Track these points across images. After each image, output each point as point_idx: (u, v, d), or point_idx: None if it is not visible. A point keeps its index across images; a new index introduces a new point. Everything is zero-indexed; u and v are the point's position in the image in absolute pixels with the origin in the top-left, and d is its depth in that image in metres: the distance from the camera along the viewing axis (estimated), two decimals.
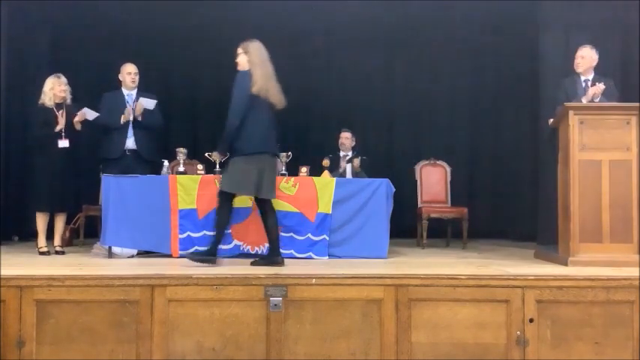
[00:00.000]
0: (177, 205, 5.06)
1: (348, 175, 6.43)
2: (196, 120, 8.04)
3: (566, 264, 4.41)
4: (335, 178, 5.37)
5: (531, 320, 3.80)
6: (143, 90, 5.72)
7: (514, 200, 7.46)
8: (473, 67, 7.97)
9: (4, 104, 6.25)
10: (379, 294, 3.82)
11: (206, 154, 5.43)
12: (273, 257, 4.51)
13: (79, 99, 5.74)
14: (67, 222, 5.91)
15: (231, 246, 5.08)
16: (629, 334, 3.82)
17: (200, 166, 5.49)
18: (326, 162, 5.90)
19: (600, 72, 5.20)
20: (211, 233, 5.05)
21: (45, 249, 5.20)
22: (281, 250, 5.03)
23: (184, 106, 7.96)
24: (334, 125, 7.18)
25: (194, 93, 8.04)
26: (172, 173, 5.49)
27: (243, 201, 5.11)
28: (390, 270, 4.31)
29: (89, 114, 5.34)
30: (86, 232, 6.33)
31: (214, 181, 5.11)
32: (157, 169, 5.47)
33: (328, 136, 6.97)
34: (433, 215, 6.34)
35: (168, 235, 5.02)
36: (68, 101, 5.38)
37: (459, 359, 3.81)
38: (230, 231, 5.09)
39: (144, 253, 5.15)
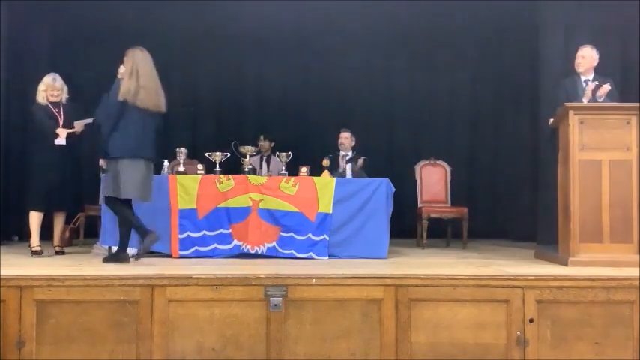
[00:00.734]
0: (177, 205, 5.06)
1: (348, 175, 6.43)
2: (196, 120, 8.04)
3: (566, 264, 4.41)
4: (335, 178, 5.37)
5: (531, 320, 3.79)
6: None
7: (514, 200, 7.45)
8: (473, 67, 7.97)
9: (4, 104, 6.24)
10: (379, 294, 3.81)
11: (206, 154, 5.43)
12: (119, 254, 4.60)
13: (79, 99, 5.73)
14: (67, 222, 5.91)
15: (231, 246, 5.08)
16: (629, 334, 3.82)
17: (200, 166, 5.49)
18: (326, 162, 5.90)
19: (600, 72, 5.20)
20: (211, 233, 5.07)
21: (38, 248, 5.10)
22: (281, 250, 5.06)
23: (184, 106, 7.95)
24: (334, 125, 7.17)
25: (194, 93, 8.05)
26: (172, 173, 5.49)
27: (243, 201, 5.12)
28: (390, 270, 4.30)
29: (80, 125, 5.35)
30: (86, 232, 6.33)
31: (214, 181, 5.12)
32: (157, 169, 5.46)
33: (328, 136, 6.97)
34: (433, 215, 6.34)
35: (168, 235, 5.02)
36: (64, 101, 5.36)
37: (459, 359, 3.81)
38: (230, 231, 5.09)
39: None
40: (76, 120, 5.34)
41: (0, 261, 4.25)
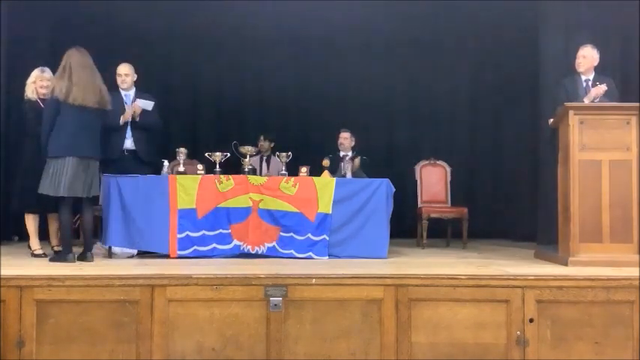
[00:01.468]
0: (176, 205, 5.06)
1: (349, 175, 6.43)
2: (196, 120, 8.04)
3: (566, 264, 4.41)
4: (335, 178, 5.37)
5: (531, 320, 3.80)
6: (143, 90, 5.71)
7: (514, 200, 7.45)
8: (473, 67, 7.97)
9: (4, 104, 6.24)
10: (379, 294, 3.82)
11: (206, 154, 5.43)
12: (63, 254, 4.65)
13: None
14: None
15: (231, 246, 5.08)
16: (629, 334, 3.83)
17: (200, 166, 5.49)
18: (326, 162, 5.90)
19: (600, 71, 5.20)
20: (210, 233, 5.07)
21: (40, 251, 5.08)
22: (281, 250, 5.06)
23: (184, 106, 7.96)
24: (334, 125, 7.17)
25: (194, 93, 8.05)
26: (172, 173, 5.49)
27: (243, 201, 5.12)
28: (390, 270, 4.30)
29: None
30: None
31: (214, 181, 5.12)
32: (156, 169, 5.47)
33: (328, 136, 6.97)
34: (433, 215, 6.33)
35: (167, 235, 5.02)
36: None
37: (459, 359, 3.81)
38: (230, 231, 5.09)
39: (144, 253, 5.14)
40: None
41: (0, 261, 4.25)
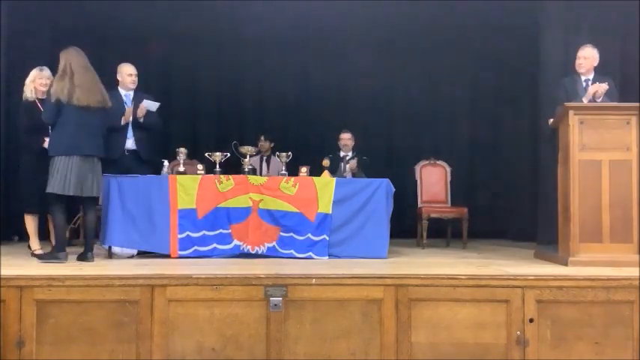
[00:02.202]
0: (176, 205, 5.06)
1: (349, 175, 6.43)
2: (196, 120, 8.04)
3: (566, 264, 4.41)
4: (335, 178, 5.37)
5: (531, 320, 3.80)
6: (142, 90, 5.72)
7: (514, 200, 7.46)
8: (473, 67, 7.97)
9: (4, 104, 6.24)
10: (379, 294, 3.82)
11: (206, 154, 5.43)
12: (54, 253, 4.63)
13: None
14: (67, 222, 5.90)
15: (231, 246, 5.08)
16: (629, 334, 3.83)
17: (200, 166, 5.49)
18: (326, 162, 5.89)
19: (600, 72, 5.20)
20: (210, 233, 5.07)
21: (40, 251, 5.07)
22: (281, 250, 5.06)
23: (184, 106, 7.96)
24: (334, 125, 7.18)
25: (194, 93, 8.05)
26: (172, 173, 5.49)
27: (243, 201, 5.12)
28: (390, 270, 4.30)
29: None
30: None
31: (214, 181, 5.12)
32: (156, 169, 5.47)
33: (328, 136, 6.98)
34: (433, 215, 6.33)
35: (167, 235, 5.02)
36: None
37: (459, 359, 3.81)
38: (230, 231, 5.09)
39: (144, 253, 5.14)
40: None
41: (0, 261, 4.25)
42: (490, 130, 7.87)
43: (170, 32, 7.60)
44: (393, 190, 5.22)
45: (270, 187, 5.15)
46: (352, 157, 6.58)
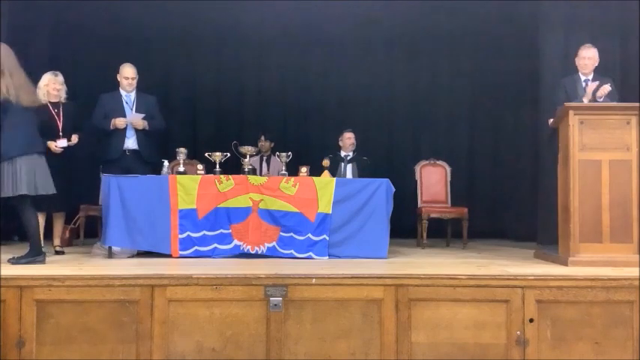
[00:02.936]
0: (177, 205, 5.06)
1: (349, 175, 6.44)
2: (196, 120, 8.04)
3: (566, 264, 4.41)
4: (335, 178, 5.37)
5: (531, 320, 3.80)
6: (143, 90, 5.72)
7: (514, 200, 7.45)
8: (473, 67, 7.96)
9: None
10: (379, 294, 3.82)
11: (206, 154, 5.43)
12: (32, 256, 4.54)
13: (79, 99, 5.74)
14: (67, 222, 5.91)
15: (231, 246, 5.08)
16: (629, 334, 3.83)
17: (200, 166, 5.49)
18: (326, 162, 5.89)
19: (600, 72, 5.20)
20: (211, 233, 5.07)
21: (43, 249, 5.15)
22: (281, 250, 5.06)
23: (184, 106, 7.96)
24: (334, 125, 7.18)
25: (194, 93, 8.04)
26: (172, 173, 5.49)
27: (243, 201, 5.12)
28: (390, 270, 4.30)
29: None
30: (86, 232, 6.32)
31: (214, 181, 5.12)
32: (157, 169, 5.47)
33: (328, 136, 6.97)
34: (433, 215, 6.33)
35: (168, 235, 5.02)
36: (63, 100, 5.36)
37: (459, 359, 3.81)
38: (230, 231, 5.09)
39: (144, 253, 5.14)
40: (76, 121, 5.34)
41: (0, 261, 4.25)
42: (490, 130, 7.88)
43: (170, 32, 7.60)
44: (393, 190, 5.22)
45: (270, 187, 5.15)
46: (353, 158, 6.59)
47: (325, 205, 5.14)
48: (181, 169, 5.43)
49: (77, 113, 5.43)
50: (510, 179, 7.53)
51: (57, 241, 5.32)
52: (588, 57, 5.13)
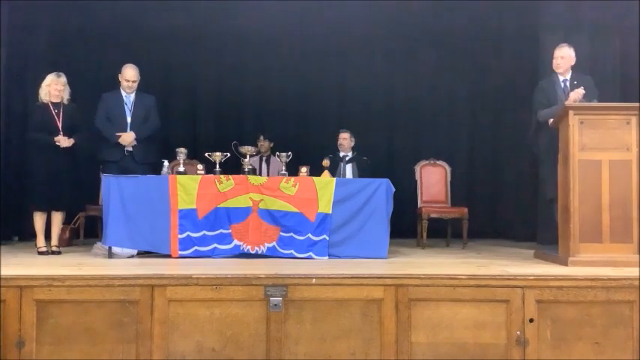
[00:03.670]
0: (177, 205, 5.06)
1: (348, 175, 6.43)
2: (196, 120, 8.04)
3: (566, 264, 4.41)
4: (335, 178, 5.37)
5: (531, 320, 3.79)
6: (143, 90, 5.72)
7: (514, 200, 7.45)
8: (473, 67, 7.97)
9: (4, 104, 6.24)
10: (379, 294, 3.81)
11: (206, 154, 5.43)
12: None
13: (79, 99, 5.74)
14: (67, 222, 5.93)
15: (231, 246, 5.08)
16: (629, 334, 3.82)
17: (200, 166, 5.49)
18: (326, 162, 5.90)
19: (579, 70, 5.23)
20: (211, 233, 5.08)
21: (44, 248, 5.23)
22: (281, 250, 5.07)
23: (184, 106, 7.96)
24: (334, 125, 7.18)
25: (194, 93, 8.04)
26: (172, 173, 5.49)
27: (243, 201, 5.12)
28: (390, 270, 4.30)
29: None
30: (86, 232, 6.33)
31: (214, 181, 5.12)
32: (157, 169, 5.47)
33: (328, 136, 6.97)
34: (433, 215, 6.33)
35: (168, 235, 5.02)
36: (65, 101, 5.38)
37: (459, 359, 3.81)
38: (230, 231, 5.09)
39: (144, 253, 5.15)
40: (75, 122, 5.36)
41: (0, 261, 4.25)
42: (490, 130, 7.87)
43: (171, 32, 7.60)
44: (393, 190, 5.22)
45: (270, 187, 5.15)
46: (352, 158, 6.59)
47: (325, 205, 5.14)
48: (181, 169, 5.43)
49: (78, 114, 5.44)
50: (510, 179, 7.53)
51: (54, 241, 5.33)
52: (561, 56, 5.16)
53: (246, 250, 5.07)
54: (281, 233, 5.12)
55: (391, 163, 7.71)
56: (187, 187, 5.09)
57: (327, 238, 5.10)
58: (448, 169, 6.87)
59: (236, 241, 5.09)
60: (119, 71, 5.61)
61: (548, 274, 3.95)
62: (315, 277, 3.84)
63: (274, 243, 5.10)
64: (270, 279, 3.82)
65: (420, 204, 6.63)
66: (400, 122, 8.06)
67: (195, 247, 5.03)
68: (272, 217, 5.12)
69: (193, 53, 7.90)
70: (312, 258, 5.02)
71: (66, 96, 5.38)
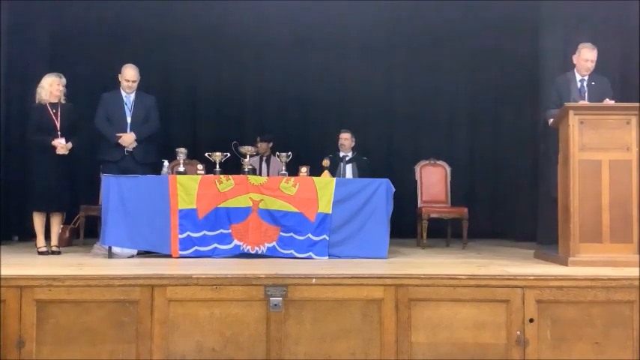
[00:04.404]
0: (177, 205, 5.06)
1: (348, 175, 6.43)
2: (196, 120, 8.04)
3: (566, 264, 4.41)
4: (335, 178, 5.37)
5: (531, 320, 3.79)
6: (143, 90, 5.71)
7: (514, 200, 7.45)
8: (473, 67, 7.96)
9: (4, 104, 6.24)
10: (379, 294, 3.81)
11: (206, 154, 5.43)
12: None
13: (79, 99, 5.74)
14: (67, 222, 5.93)
15: (231, 246, 5.08)
16: (629, 334, 3.82)
17: (200, 166, 5.49)
18: (326, 162, 5.89)
19: (598, 71, 5.18)
20: (211, 233, 5.08)
21: (44, 248, 5.24)
22: (281, 250, 5.07)
23: (184, 106, 7.96)
24: (334, 125, 7.18)
25: (194, 93, 8.05)
26: (172, 173, 5.49)
27: (243, 201, 5.12)
28: (390, 270, 4.31)
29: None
30: (86, 232, 6.33)
31: (214, 181, 5.12)
32: (156, 169, 5.47)
33: (328, 136, 6.98)
34: (433, 215, 6.33)
35: (168, 235, 5.02)
36: (62, 101, 5.38)
37: (459, 359, 3.81)
38: (230, 231, 5.09)
39: (144, 253, 5.15)
40: (73, 122, 5.36)
41: (0, 261, 4.25)
42: (490, 130, 7.88)
43: (170, 32, 7.60)
44: (393, 190, 5.22)
45: (270, 187, 5.15)
46: (352, 158, 6.59)
47: (325, 205, 5.14)
48: (181, 169, 5.43)
49: (75, 114, 5.44)
50: (510, 179, 7.53)
51: (54, 241, 5.33)
52: (591, 60, 5.07)
53: (246, 250, 5.06)
54: (281, 233, 5.12)
55: (391, 163, 7.71)
56: (187, 187, 5.09)
57: (327, 238, 5.10)
58: (448, 169, 6.86)
59: (236, 241, 5.09)
60: (119, 71, 5.61)
61: (548, 274, 3.95)
62: (315, 277, 3.84)
63: (274, 243, 5.10)
64: (270, 279, 3.82)
65: (420, 204, 6.63)
66: (400, 122, 8.06)
67: (196, 247, 5.03)
68: (272, 217, 5.12)
69: (193, 53, 7.90)
70: (312, 258, 5.02)
71: (62, 97, 5.38)
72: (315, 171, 5.60)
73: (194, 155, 6.39)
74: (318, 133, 7.66)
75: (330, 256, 5.07)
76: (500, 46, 7.54)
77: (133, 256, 5.09)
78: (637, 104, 4.53)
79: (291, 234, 5.11)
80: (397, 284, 3.82)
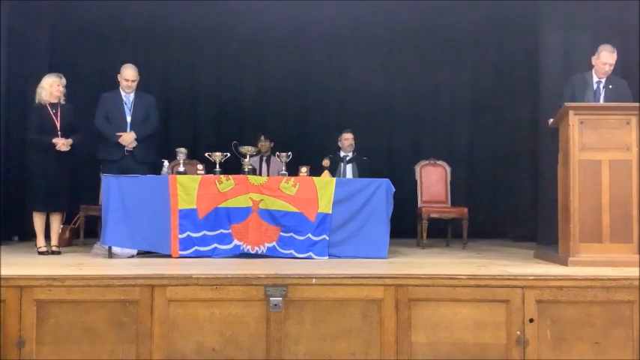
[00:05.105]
0: (177, 205, 5.06)
1: (349, 175, 6.44)
2: (196, 120, 8.05)
3: (566, 264, 4.41)
4: (335, 178, 5.37)
5: (531, 320, 3.79)
6: (142, 90, 5.72)
7: (514, 200, 7.45)
8: (473, 66, 7.97)
9: (4, 104, 6.24)
10: (379, 294, 3.81)
11: (206, 154, 5.43)
12: None
13: (79, 99, 5.74)
14: (67, 222, 5.93)
15: (231, 246, 5.08)
16: (629, 334, 3.82)
17: (200, 166, 5.49)
18: (326, 162, 5.90)
19: (615, 73, 5.12)
20: (211, 233, 5.08)
21: (44, 248, 5.24)
22: (281, 250, 5.07)
23: (184, 106, 7.96)
24: (334, 125, 7.19)
25: (194, 93, 8.05)
26: (172, 173, 5.49)
27: (243, 201, 5.12)
28: (390, 270, 4.30)
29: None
30: (86, 232, 6.33)
31: (214, 181, 5.12)
32: (156, 169, 5.47)
33: (328, 136, 6.98)
34: (433, 215, 6.33)
35: (168, 235, 5.02)
36: (62, 102, 5.38)
37: (459, 359, 3.81)
38: (230, 231, 5.09)
39: (144, 253, 5.15)
40: (73, 122, 5.36)
41: (0, 261, 4.25)
42: (490, 130, 7.88)
43: (170, 32, 7.61)
44: (393, 190, 5.22)
45: (270, 187, 5.15)
46: (352, 158, 6.59)
47: (325, 205, 5.14)
48: (181, 169, 5.43)
49: (74, 114, 5.45)
50: (510, 179, 7.53)
51: (54, 241, 5.33)
52: (609, 63, 4.96)
53: (246, 250, 5.07)
54: (281, 233, 5.12)
55: (391, 163, 7.71)
56: (187, 187, 5.08)
57: (327, 238, 5.10)
58: (448, 169, 6.86)
59: (236, 241, 5.09)
60: (119, 71, 5.61)
61: (548, 274, 3.95)
62: (315, 277, 3.84)
63: (274, 243, 5.10)
64: (270, 279, 3.82)
65: (420, 204, 6.63)
66: (400, 122, 8.06)
67: (196, 247, 5.03)
68: (272, 217, 5.12)
69: (193, 53, 7.91)
70: (312, 258, 5.02)
71: (62, 97, 5.39)
72: (315, 171, 5.60)
73: (194, 155, 6.40)
74: (318, 133, 7.66)
75: (330, 256, 5.07)
76: (501, 45, 7.54)
77: (133, 256, 5.09)
78: (637, 104, 4.54)
79: (291, 234, 5.11)
80: (397, 284, 3.82)
